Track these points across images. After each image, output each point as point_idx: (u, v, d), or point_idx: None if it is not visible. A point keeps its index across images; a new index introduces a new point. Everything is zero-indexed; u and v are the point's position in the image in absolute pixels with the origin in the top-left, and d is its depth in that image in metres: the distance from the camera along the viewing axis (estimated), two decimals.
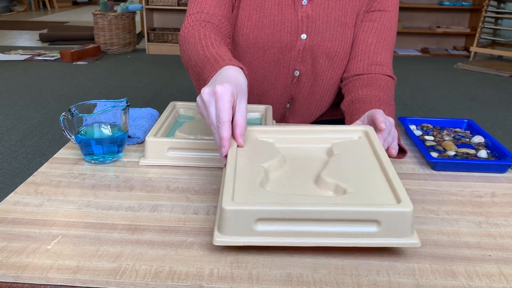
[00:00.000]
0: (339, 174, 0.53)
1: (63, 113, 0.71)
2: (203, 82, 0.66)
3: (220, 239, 0.47)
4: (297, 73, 0.94)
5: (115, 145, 0.71)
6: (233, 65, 0.64)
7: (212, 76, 0.63)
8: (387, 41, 0.92)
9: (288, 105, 1.00)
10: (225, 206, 0.47)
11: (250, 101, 1.00)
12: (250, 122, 0.84)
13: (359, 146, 0.60)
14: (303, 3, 0.89)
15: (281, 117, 1.03)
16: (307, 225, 0.47)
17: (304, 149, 0.61)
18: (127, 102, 0.71)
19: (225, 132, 0.55)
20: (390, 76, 0.91)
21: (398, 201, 0.48)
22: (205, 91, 0.57)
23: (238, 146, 0.58)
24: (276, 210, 0.47)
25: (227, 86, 0.55)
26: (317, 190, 0.52)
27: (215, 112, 0.56)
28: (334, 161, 0.56)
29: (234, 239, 0.47)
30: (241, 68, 0.64)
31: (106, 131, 0.71)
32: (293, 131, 0.63)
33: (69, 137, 0.72)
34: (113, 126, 0.71)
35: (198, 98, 0.58)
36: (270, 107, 0.87)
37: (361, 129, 0.63)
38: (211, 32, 0.80)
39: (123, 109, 0.69)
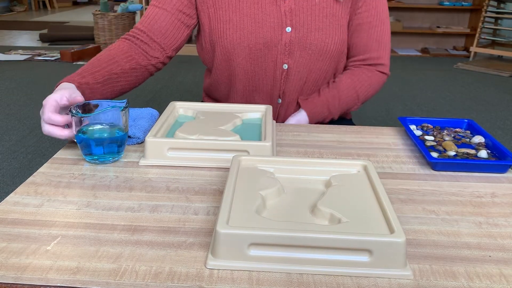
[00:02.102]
0: (335, 204, 0.54)
1: (64, 113, 0.71)
2: None
3: (213, 263, 0.48)
4: (285, 66, 0.94)
5: (115, 145, 0.71)
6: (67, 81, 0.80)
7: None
8: (378, 35, 0.97)
9: (280, 100, 1.00)
10: (219, 229, 0.47)
11: (243, 99, 1.01)
12: (250, 122, 0.85)
13: (357, 179, 0.61)
14: None
15: (275, 114, 1.03)
16: (300, 252, 0.48)
17: (303, 180, 0.62)
18: (127, 103, 0.71)
19: (46, 127, 0.71)
20: (382, 72, 0.99)
21: (392, 231, 0.48)
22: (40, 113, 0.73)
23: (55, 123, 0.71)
24: (269, 235, 0.47)
25: (47, 100, 0.71)
26: (313, 219, 0.53)
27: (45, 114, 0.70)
28: (331, 192, 0.57)
29: (226, 263, 0.48)
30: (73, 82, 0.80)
31: (106, 131, 0.71)
32: (293, 162, 0.64)
33: None
34: (113, 126, 0.71)
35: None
36: (270, 107, 0.87)
37: (361, 163, 0.64)
38: (122, 44, 0.94)
39: (122, 110, 0.69)
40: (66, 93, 0.73)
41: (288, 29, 0.91)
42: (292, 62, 0.94)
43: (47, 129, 0.71)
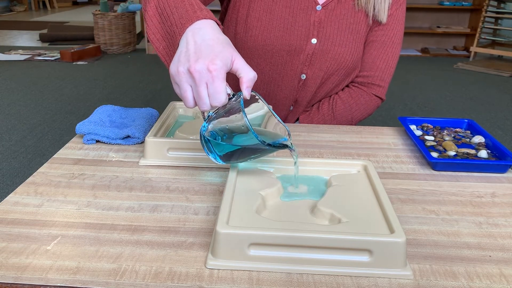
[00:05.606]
0: (335, 204, 0.54)
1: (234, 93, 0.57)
2: (173, 31, 0.62)
3: (213, 263, 0.48)
4: (303, 76, 0.94)
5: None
6: (205, 18, 0.60)
7: (186, 28, 0.59)
8: (387, 57, 0.97)
9: (291, 107, 1.00)
10: (219, 229, 0.47)
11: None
12: (251, 122, 0.84)
13: (357, 179, 0.61)
14: (317, 8, 0.89)
15: (284, 120, 1.03)
16: (300, 252, 0.48)
17: (303, 180, 0.62)
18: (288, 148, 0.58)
19: (202, 89, 0.54)
20: (378, 96, 0.99)
21: (392, 231, 0.48)
22: (196, 68, 0.53)
23: (245, 97, 0.55)
24: (269, 235, 0.47)
25: (219, 64, 0.53)
26: (313, 219, 0.53)
27: (208, 92, 0.54)
28: (331, 192, 0.57)
29: (226, 263, 0.48)
30: (215, 21, 0.61)
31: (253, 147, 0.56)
32: (293, 162, 0.64)
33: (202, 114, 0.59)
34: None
35: (183, 71, 0.54)
36: (270, 107, 0.86)
37: (361, 163, 0.64)
38: None
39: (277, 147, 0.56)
40: (237, 57, 0.56)
41: (314, 40, 0.90)
42: (311, 73, 0.94)
43: (201, 91, 0.54)
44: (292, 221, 0.51)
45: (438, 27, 4.63)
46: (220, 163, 0.59)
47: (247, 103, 0.59)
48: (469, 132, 0.86)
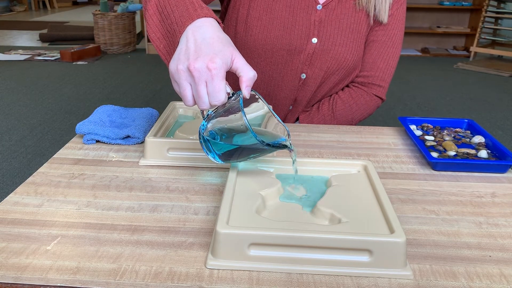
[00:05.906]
0: (335, 204, 0.54)
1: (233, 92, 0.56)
2: (173, 29, 0.62)
3: (213, 263, 0.48)
4: (303, 76, 0.94)
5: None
6: (206, 16, 0.59)
7: (187, 26, 0.58)
8: (388, 57, 0.97)
9: (291, 107, 1.00)
10: (219, 229, 0.47)
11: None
12: (250, 122, 0.84)
13: (357, 179, 0.61)
14: (318, 8, 0.89)
15: (283, 119, 1.03)
16: (300, 252, 0.48)
17: (303, 180, 0.62)
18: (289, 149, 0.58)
19: (201, 88, 0.54)
20: (378, 96, 0.99)
21: (392, 231, 0.48)
22: (196, 67, 0.53)
23: (244, 97, 0.55)
24: (269, 235, 0.47)
25: (219, 62, 0.53)
26: (313, 219, 0.53)
27: (207, 91, 0.54)
28: (331, 192, 0.57)
29: (226, 263, 0.48)
30: (215, 19, 0.60)
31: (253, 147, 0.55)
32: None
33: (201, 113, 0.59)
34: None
35: (182, 69, 0.54)
36: (270, 107, 0.86)
37: (361, 163, 0.64)
38: None
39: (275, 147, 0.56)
40: (238, 56, 0.56)
41: (314, 40, 0.90)
42: (311, 73, 0.94)
43: (201, 90, 0.53)
44: (292, 221, 0.51)
45: (438, 27, 4.63)
46: (219, 162, 0.59)
47: (247, 102, 0.59)
48: (469, 132, 0.86)
